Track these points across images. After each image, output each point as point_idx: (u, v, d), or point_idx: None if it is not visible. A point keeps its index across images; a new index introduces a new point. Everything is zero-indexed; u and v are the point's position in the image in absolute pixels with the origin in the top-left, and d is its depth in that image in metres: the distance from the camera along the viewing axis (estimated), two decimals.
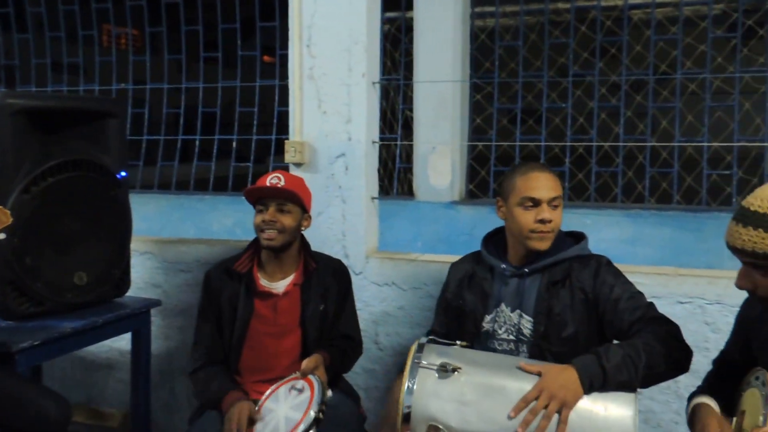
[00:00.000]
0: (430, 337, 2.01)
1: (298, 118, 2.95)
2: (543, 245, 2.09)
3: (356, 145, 2.93)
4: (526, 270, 2.13)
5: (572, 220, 4.12)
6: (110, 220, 2.74)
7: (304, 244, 2.58)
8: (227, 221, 4.67)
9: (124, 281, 2.85)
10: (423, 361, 1.86)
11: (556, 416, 1.79)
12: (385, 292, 2.98)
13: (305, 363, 2.27)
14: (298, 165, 2.98)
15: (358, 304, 2.95)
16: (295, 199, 2.45)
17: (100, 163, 2.67)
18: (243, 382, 2.48)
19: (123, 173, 2.78)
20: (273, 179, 2.45)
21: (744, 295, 1.89)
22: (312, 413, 2.08)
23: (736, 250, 1.62)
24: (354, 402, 2.54)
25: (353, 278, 2.91)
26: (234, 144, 4.69)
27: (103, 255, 2.72)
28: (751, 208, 1.58)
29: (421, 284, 2.93)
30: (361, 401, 2.63)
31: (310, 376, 2.22)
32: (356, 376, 2.99)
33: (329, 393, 2.17)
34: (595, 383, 1.82)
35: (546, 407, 1.78)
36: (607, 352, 1.85)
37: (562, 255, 2.11)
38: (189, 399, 3.25)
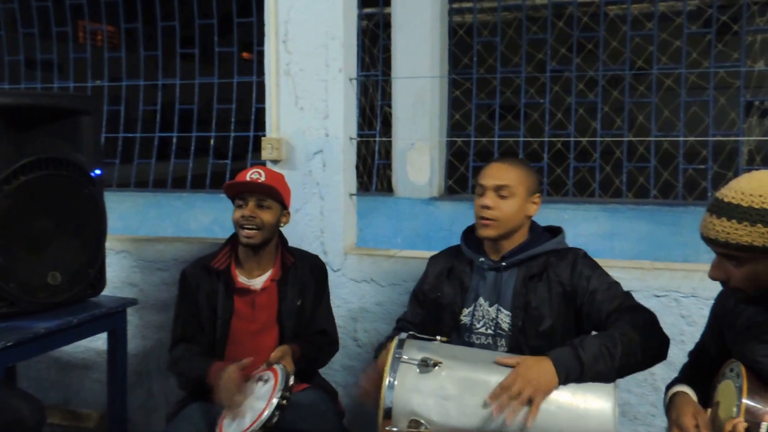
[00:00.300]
0: (411, 332, 2.01)
1: (275, 114, 2.93)
2: (485, 232, 2.10)
3: (334, 142, 2.92)
4: (503, 264, 2.13)
5: (551, 215, 4.15)
6: (85, 219, 2.70)
7: (282, 240, 2.57)
8: (205, 219, 4.64)
9: (100, 280, 2.81)
10: (404, 356, 1.87)
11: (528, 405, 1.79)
12: (363, 288, 2.98)
13: (272, 354, 2.29)
14: (275, 162, 2.96)
15: (336, 301, 2.95)
16: (275, 195, 2.44)
17: (74, 161, 2.63)
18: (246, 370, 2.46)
19: (98, 171, 2.74)
20: (253, 174, 2.44)
21: (719, 287, 1.92)
22: (275, 400, 2.08)
23: (710, 241, 1.62)
24: (331, 398, 2.54)
25: (331, 275, 2.91)
26: (212, 141, 4.65)
27: (78, 254, 2.68)
28: (725, 200, 1.59)
29: (399, 280, 2.92)
30: (339, 397, 2.63)
31: (275, 366, 2.22)
32: (335, 372, 2.99)
33: (292, 380, 2.17)
34: (572, 374, 1.84)
35: (520, 394, 1.79)
36: (582, 343, 1.87)
37: (539, 249, 2.12)
38: (167, 398, 3.23)
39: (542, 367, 1.83)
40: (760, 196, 1.55)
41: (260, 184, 2.41)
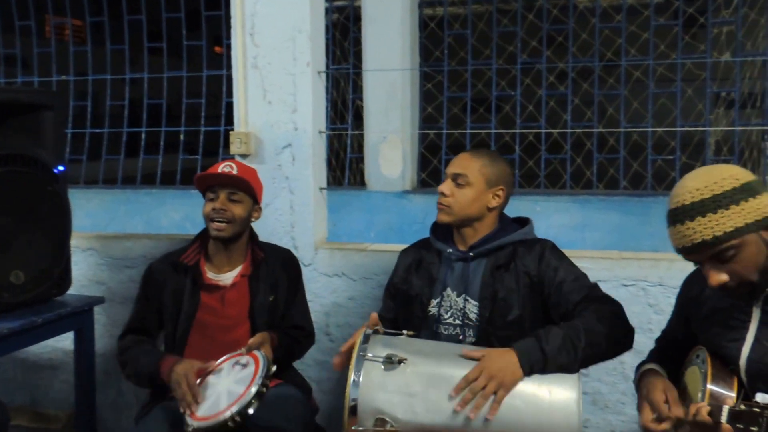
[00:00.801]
0: (376, 327, 2.00)
1: (243, 108, 2.90)
2: (439, 217, 2.14)
3: (303, 135, 2.89)
4: (471, 254, 2.13)
5: (523, 206, 4.17)
6: (48, 216, 2.64)
7: (252, 235, 2.55)
8: (176, 215, 4.58)
9: (65, 279, 2.76)
10: (368, 354, 1.84)
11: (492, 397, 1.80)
12: (335, 283, 2.96)
13: (251, 339, 2.25)
14: (244, 156, 2.93)
15: (308, 296, 2.92)
16: (247, 188, 2.41)
17: (36, 158, 2.57)
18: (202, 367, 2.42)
19: (61, 167, 2.68)
20: (225, 167, 2.41)
21: (685, 276, 1.94)
22: (254, 388, 2.04)
23: (695, 248, 1.56)
24: (305, 394, 2.52)
25: (302, 270, 2.88)
26: (182, 136, 4.59)
27: (42, 252, 2.62)
28: (686, 203, 1.56)
29: (371, 274, 2.91)
30: (312, 393, 2.61)
31: (255, 352, 2.19)
32: (308, 368, 2.97)
33: (274, 368, 2.14)
34: (536, 366, 1.84)
35: (485, 388, 1.79)
36: (547, 335, 1.88)
37: (506, 239, 2.13)
38: (137, 397, 3.18)
39: (506, 359, 1.83)
40: (715, 182, 1.55)
41: (232, 177, 2.38)
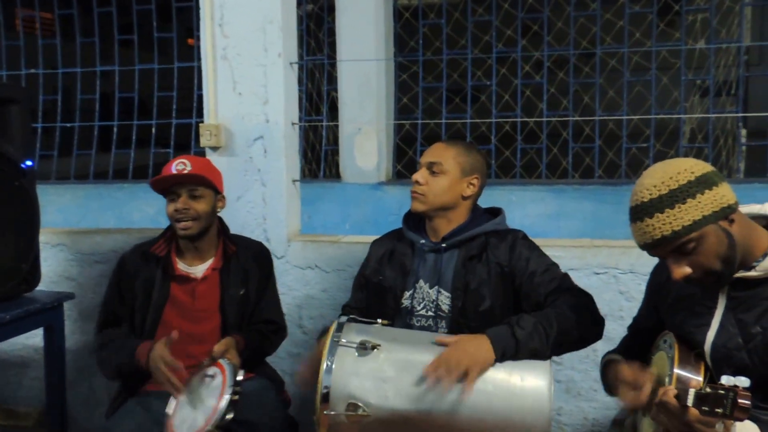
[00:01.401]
0: (351, 316, 2.00)
1: (213, 100, 2.86)
2: (413, 206, 2.14)
3: (274, 127, 2.87)
4: (443, 245, 2.13)
5: (498, 197, 4.17)
6: (15, 212, 2.60)
7: (223, 227, 2.52)
8: (149, 210, 4.52)
9: (34, 275, 2.71)
10: (342, 340, 1.86)
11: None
12: (308, 275, 2.94)
13: (215, 347, 2.22)
14: (214, 149, 2.90)
15: (281, 288, 2.90)
16: (206, 183, 2.37)
17: (2, 153, 2.53)
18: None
19: (28, 162, 2.64)
20: (179, 165, 2.36)
21: (655, 263, 1.95)
22: (226, 397, 2.04)
23: (657, 243, 1.58)
24: (277, 387, 2.50)
25: (275, 262, 2.86)
26: (153, 130, 4.53)
27: (8, 248, 2.58)
28: (645, 200, 1.58)
29: (344, 266, 2.90)
30: (285, 386, 2.60)
31: (221, 361, 2.17)
32: (281, 360, 2.95)
33: (241, 375, 2.13)
34: (508, 351, 1.86)
35: (457, 366, 1.80)
36: (519, 321, 1.89)
37: (478, 230, 2.13)
38: (109, 394, 3.14)
39: (479, 343, 1.85)
40: (671, 178, 1.57)
41: (189, 176, 2.33)
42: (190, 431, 2.06)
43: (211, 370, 2.17)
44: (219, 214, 2.49)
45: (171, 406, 2.15)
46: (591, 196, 4.27)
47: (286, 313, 2.92)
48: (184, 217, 2.33)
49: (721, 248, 1.58)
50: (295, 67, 2.92)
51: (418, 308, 2.14)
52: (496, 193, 4.28)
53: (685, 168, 1.59)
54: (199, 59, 3.01)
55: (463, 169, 2.13)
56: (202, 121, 2.91)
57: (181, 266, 2.43)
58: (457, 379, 1.79)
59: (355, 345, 1.85)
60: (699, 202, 1.55)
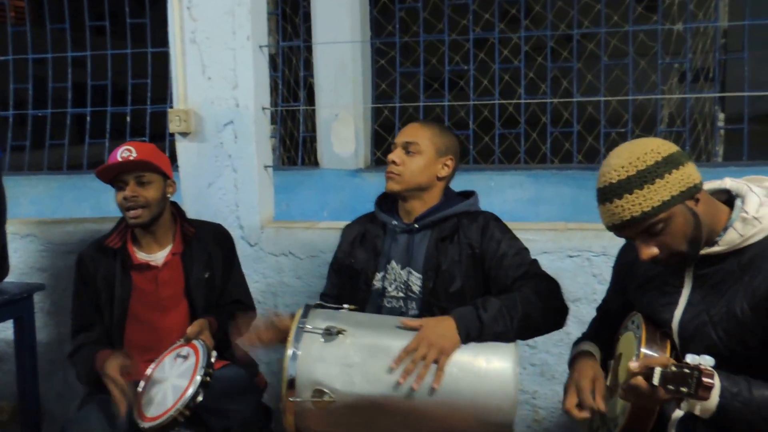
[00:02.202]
0: (317, 302, 1.99)
1: (182, 85, 2.82)
2: (388, 186, 2.13)
3: (244, 112, 2.83)
4: (416, 225, 2.12)
5: (477, 182, 4.16)
6: None
7: (179, 211, 2.48)
8: None
9: (2, 266, 2.68)
10: (308, 326, 1.85)
11: (434, 365, 1.81)
12: (281, 262, 2.91)
13: (189, 329, 2.21)
14: (184, 134, 2.85)
15: (255, 276, 2.88)
16: (153, 168, 2.33)
17: None
18: (133, 362, 2.37)
19: None
20: (124, 152, 2.31)
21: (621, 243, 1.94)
22: (198, 378, 2.03)
23: (626, 224, 1.58)
24: (250, 372, 2.48)
25: (248, 249, 2.84)
26: (128, 118, 4.47)
27: None
28: (613, 182, 1.57)
29: (318, 252, 2.87)
30: (260, 371, 2.57)
31: (194, 341, 2.16)
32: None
33: (214, 356, 2.11)
34: (472, 333, 1.86)
35: (425, 357, 1.81)
36: (484, 303, 1.90)
37: (450, 211, 2.13)
38: (83, 388, 3.11)
39: (444, 326, 1.85)
40: (638, 158, 1.57)
41: (134, 162, 2.29)
42: (158, 410, 2.04)
43: (185, 351, 2.16)
44: (172, 199, 2.45)
45: (141, 385, 2.14)
46: (570, 181, 4.25)
47: (261, 301, 2.90)
48: (134, 204, 2.29)
49: (688, 228, 1.58)
50: (265, 50, 2.88)
51: (390, 289, 2.13)
52: (474, 179, 4.27)
53: (652, 148, 1.58)
54: None
55: (438, 150, 2.13)
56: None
57: (140, 255, 2.39)
58: (425, 370, 1.79)
59: (320, 331, 1.84)
60: (667, 182, 1.55)
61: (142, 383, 2.16)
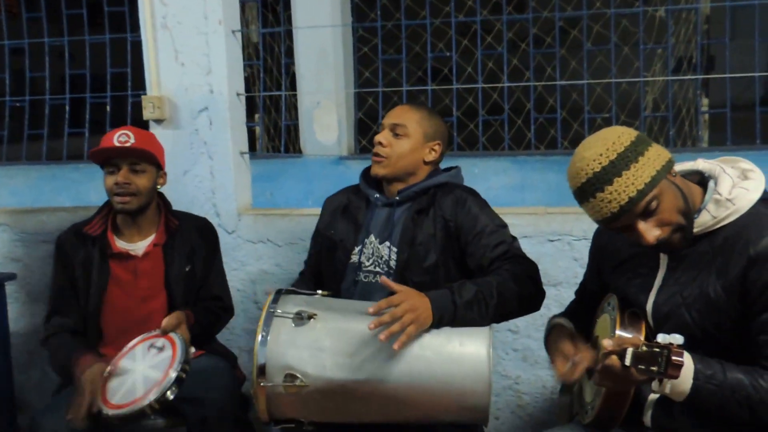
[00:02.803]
0: (290, 287, 1.97)
1: (154, 71, 2.78)
2: (375, 169, 2.11)
3: (219, 98, 2.79)
4: (397, 198, 2.10)
5: (461, 169, 4.11)
6: None
7: (164, 202, 2.45)
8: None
9: None
10: (278, 310, 1.83)
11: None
12: (260, 249, 2.89)
13: (166, 320, 2.17)
14: (158, 121, 2.82)
15: (233, 264, 2.85)
16: (149, 158, 2.30)
17: None
18: (107, 352, 2.34)
19: None
20: (121, 137, 2.28)
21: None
22: (173, 374, 1.99)
23: (623, 212, 1.53)
24: (229, 364, 2.46)
25: (226, 237, 2.81)
26: (108, 108, 4.41)
27: None
28: (593, 173, 1.52)
29: (296, 239, 2.85)
30: (239, 363, 2.55)
31: (172, 334, 2.12)
32: (237, 337, 2.91)
33: (192, 350, 2.08)
34: (445, 317, 1.83)
35: (402, 317, 1.75)
36: (461, 289, 1.86)
37: (428, 182, 2.11)
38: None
39: (422, 301, 1.81)
40: (613, 143, 1.54)
41: (133, 149, 2.26)
42: (125, 399, 1.99)
43: (160, 342, 2.12)
44: (160, 190, 2.42)
45: (107, 370, 2.08)
46: (555, 167, 4.23)
47: (240, 289, 2.88)
48: (124, 191, 2.26)
49: (678, 201, 1.57)
50: (238, 35, 2.84)
51: (367, 263, 2.11)
52: (458, 164, 4.24)
53: (620, 133, 1.57)
54: None
55: (426, 134, 2.10)
56: None
57: (120, 244, 2.36)
58: (399, 329, 1.74)
59: (291, 315, 1.82)
60: (648, 159, 1.53)
61: (108, 368, 2.10)
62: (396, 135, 2.08)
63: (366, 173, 2.21)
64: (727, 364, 1.54)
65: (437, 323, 1.82)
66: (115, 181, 2.26)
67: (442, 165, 2.22)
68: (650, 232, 1.55)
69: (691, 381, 1.49)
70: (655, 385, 1.48)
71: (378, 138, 2.10)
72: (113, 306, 2.34)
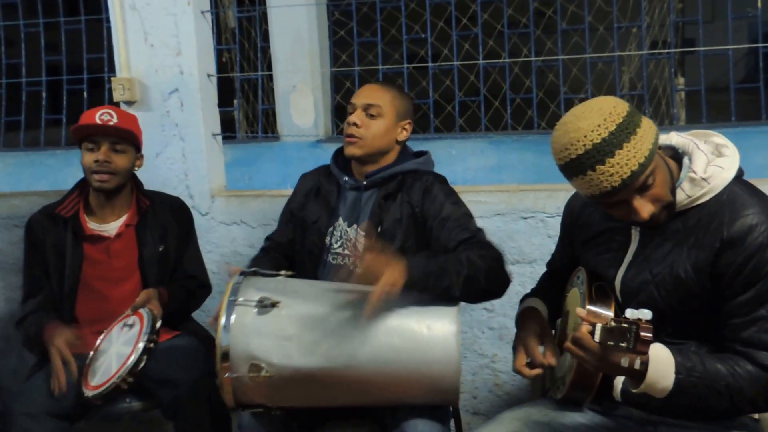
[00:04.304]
0: (253, 269, 1.93)
1: (124, 53, 2.76)
2: (350, 150, 2.09)
3: (189, 79, 2.78)
4: (364, 183, 2.10)
5: (438, 150, 4.10)
6: None
7: (136, 183, 2.44)
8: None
9: None
10: (240, 298, 1.78)
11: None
12: (234, 231, 2.89)
13: (138, 298, 2.19)
14: (129, 103, 2.80)
15: (207, 246, 2.85)
16: (132, 138, 2.31)
17: None
18: (83, 333, 2.34)
19: None
20: (104, 115, 2.28)
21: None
22: (141, 344, 2.03)
23: (623, 186, 1.47)
24: (204, 344, 2.46)
25: (200, 219, 2.81)
26: (85, 94, 4.39)
27: None
28: (586, 149, 1.45)
29: (270, 220, 2.84)
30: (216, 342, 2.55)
31: (141, 310, 2.15)
32: None
33: (159, 323, 2.09)
34: (418, 275, 1.76)
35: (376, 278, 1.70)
36: (435, 254, 1.88)
37: (397, 168, 2.11)
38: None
39: (396, 260, 1.74)
40: (610, 113, 1.47)
41: (116, 128, 2.27)
42: (102, 378, 2.03)
43: (131, 320, 2.16)
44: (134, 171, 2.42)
45: (89, 356, 2.13)
46: (532, 147, 4.25)
47: (214, 272, 2.87)
48: (104, 169, 2.26)
49: (667, 176, 1.55)
50: (207, 16, 2.83)
51: (335, 246, 2.11)
52: (435, 147, 4.23)
53: (614, 103, 1.50)
54: None
55: (398, 113, 2.10)
56: None
57: (92, 225, 2.35)
58: (369, 283, 1.69)
59: (253, 303, 1.77)
60: (645, 132, 1.48)
61: (90, 354, 2.15)
62: (370, 116, 2.06)
63: (336, 155, 2.21)
64: (703, 354, 1.53)
65: (411, 281, 1.74)
66: (95, 159, 2.26)
67: (418, 147, 2.23)
68: (645, 207, 1.50)
69: (673, 375, 1.46)
70: (624, 361, 1.38)
71: (352, 119, 2.07)
72: (89, 286, 2.35)
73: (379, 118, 2.06)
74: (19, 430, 2.09)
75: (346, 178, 2.13)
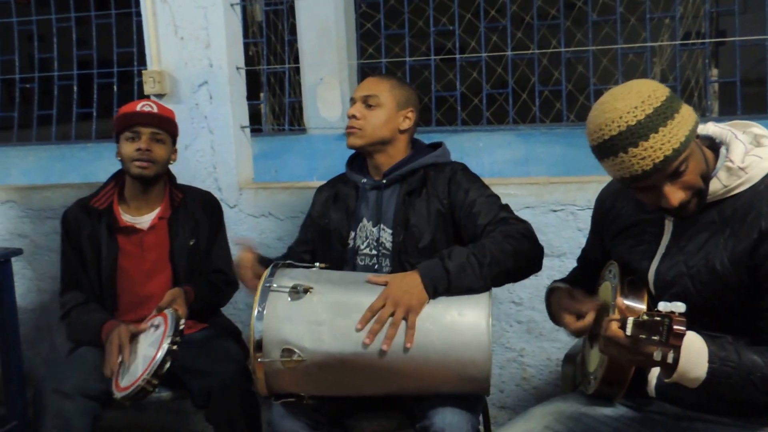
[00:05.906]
0: (287, 261, 1.97)
1: (155, 46, 2.78)
2: (350, 141, 2.10)
3: (218, 72, 2.80)
4: (384, 181, 2.10)
5: (466, 143, 4.09)
6: None
7: (170, 177, 2.48)
8: (113, 168, 4.43)
9: None
10: (274, 284, 1.81)
11: (404, 323, 1.78)
12: (262, 223, 2.90)
13: (163, 299, 2.22)
14: (159, 96, 2.83)
15: (235, 239, 2.86)
16: (172, 128, 2.36)
17: None
18: (125, 320, 2.36)
19: None
20: (145, 107, 2.33)
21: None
22: (165, 346, 2.04)
23: (655, 170, 1.44)
24: (232, 337, 2.48)
25: (228, 211, 2.82)
26: (115, 88, 4.43)
27: None
28: (621, 130, 1.42)
29: (297, 213, 2.85)
30: (243, 336, 2.57)
31: (165, 311, 2.17)
32: (240, 312, 2.93)
33: (182, 324, 2.11)
34: (440, 286, 1.81)
35: (393, 315, 1.77)
36: (450, 253, 1.85)
37: (416, 163, 2.10)
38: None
39: (409, 282, 1.81)
40: (649, 96, 1.45)
41: (158, 116, 2.33)
42: (130, 380, 2.06)
43: (157, 321, 2.17)
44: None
45: (120, 357, 2.16)
46: (560, 140, 4.20)
47: None
48: (146, 157, 2.30)
49: (701, 164, 1.51)
50: (237, 8, 2.84)
51: (362, 247, 2.12)
52: (463, 140, 4.22)
53: (654, 87, 1.47)
54: None
55: (399, 102, 2.10)
56: None
57: (126, 218, 2.39)
58: (395, 330, 1.75)
59: (287, 289, 1.80)
60: (683, 117, 1.46)
61: (120, 357, 2.17)
62: (369, 106, 2.07)
63: (351, 160, 2.22)
64: (739, 344, 1.49)
65: (433, 294, 1.80)
66: (137, 147, 2.29)
67: (446, 140, 2.22)
68: (675, 194, 1.48)
69: (706, 365, 1.42)
70: (657, 354, 1.36)
71: (350, 111, 2.09)
72: (124, 278, 2.38)
73: (378, 108, 2.06)
74: (51, 408, 2.11)
75: (365, 180, 2.13)
